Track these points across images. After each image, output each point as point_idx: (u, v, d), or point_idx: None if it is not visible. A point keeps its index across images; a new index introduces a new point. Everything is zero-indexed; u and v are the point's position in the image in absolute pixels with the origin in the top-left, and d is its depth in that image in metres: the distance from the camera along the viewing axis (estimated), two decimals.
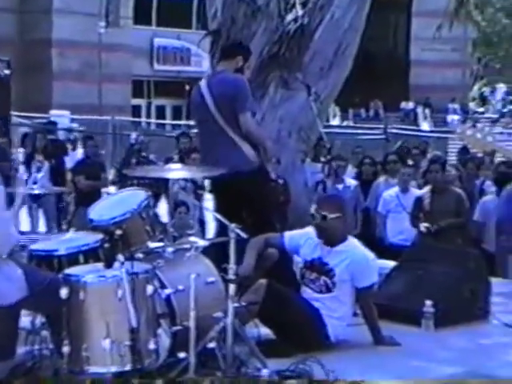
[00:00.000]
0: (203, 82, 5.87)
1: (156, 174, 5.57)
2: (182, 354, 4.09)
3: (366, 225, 9.12)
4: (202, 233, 8.26)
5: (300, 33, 7.92)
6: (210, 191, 6.27)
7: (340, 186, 9.02)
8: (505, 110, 32.79)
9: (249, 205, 5.36)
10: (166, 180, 7.29)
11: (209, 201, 7.08)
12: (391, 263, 6.46)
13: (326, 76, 8.03)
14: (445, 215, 7.94)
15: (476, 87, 38.84)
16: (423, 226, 7.92)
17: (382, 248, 8.41)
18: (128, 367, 3.85)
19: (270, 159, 5.88)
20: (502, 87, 34.79)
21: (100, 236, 4.55)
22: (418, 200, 8.21)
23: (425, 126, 28.18)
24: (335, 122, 27.70)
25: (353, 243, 5.22)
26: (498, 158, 10.07)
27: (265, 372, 4.04)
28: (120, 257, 4.11)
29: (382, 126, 21.34)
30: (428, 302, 5.47)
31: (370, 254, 5.21)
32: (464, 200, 8.20)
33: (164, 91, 31.60)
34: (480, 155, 13.16)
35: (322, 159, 9.52)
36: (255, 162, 5.60)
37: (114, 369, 3.85)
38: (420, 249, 6.92)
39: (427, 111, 29.91)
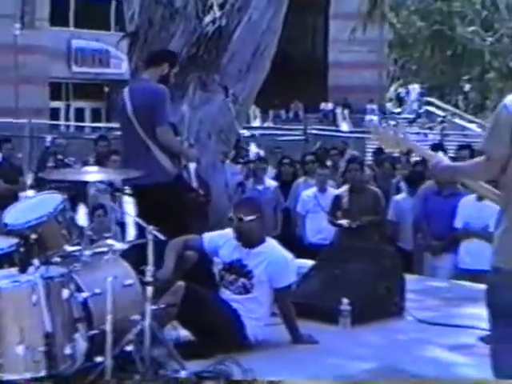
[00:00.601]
0: (126, 89, 5.89)
1: (73, 176, 5.50)
2: (99, 358, 4.06)
3: (287, 225, 9.21)
4: (122, 236, 8.19)
5: (218, 34, 7.93)
6: (130, 194, 6.24)
7: (260, 187, 9.09)
8: (421, 111, 33.51)
9: (167, 215, 5.38)
10: (84, 183, 7.21)
11: (128, 203, 7.02)
12: (310, 262, 6.56)
13: (244, 78, 8.06)
14: (363, 213, 8.09)
15: (392, 88, 39.62)
16: (345, 221, 8.04)
17: (302, 248, 8.52)
18: (43, 373, 3.80)
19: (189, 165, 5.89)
20: (416, 88, 35.55)
21: (15, 240, 4.46)
22: (337, 198, 8.34)
23: (344, 126, 28.55)
24: (256, 123, 27.82)
25: (271, 244, 5.26)
26: (414, 158, 10.27)
27: (183, 373, 4.04)
28: (35, 261, 4.05)
29: (301, 127, 21.59)
30: (345, 300, 5.56)
31: (288, 255, 5.26)
32: (381, 198, 8.37)
33: (83, 94, 31.18)
34: (396, 155, 13.43)
35: (242, 160, 9.57)
36: (172, 173, 5.64)
37: (28, 375, 3.80)
38: (337, 247, 7.05)
39: (346, 112, 30.30)
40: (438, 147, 13.52)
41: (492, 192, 3.80)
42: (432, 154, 3.99)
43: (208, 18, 8.05)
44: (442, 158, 3.86)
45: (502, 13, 35.97)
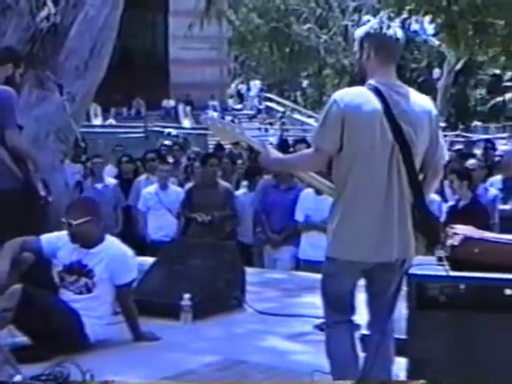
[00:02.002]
0: None
1: None
2: None
3: (129, 222, 9.15)
4: None
5: (53, 31, 7.78)
6: None
7: (99, 186, 8.98)
8: (261, 107, 34.13)
9: (9, 218, 5.26)
10: None
11: None
12: (152, 259, 6.56)
13: (82, 75, 7.95)
14: (214, 208, 8.13)
15: (233, 84, 40.13)
16: (198, 215, 8.06)
17: (144, 245, 8.51)
18: None
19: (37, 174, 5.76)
20: (256, 84, 36.17)
21: None
22: (189, 192, 8.35)
23: (186, 123, 28.62)
24: (97, 121, 27.39)
25: (111, 242, 5.23)
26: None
27: (18, 378, 3.94)
28: None
29: (143, 124, 21.52)
30: (186, 295, 5.61)
31: (129, 251, 5.25)
32: (232, 193, 8.46)
33: None
34: (237, 151, 13.67)
35: (81, 159, 9.47)
36: (21, 178, 5.51)
37: None
38: (178, 243, 7.07)
39: (188, 108, 30.39)
40: (284, 143, 13.99)
41: (326, 185, 3.96)
42: (263, 146, 4.11)
43: (42, 14, 7.88)
44: (272, 151, 3.98)
45: (335, 11, 37.22)
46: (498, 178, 8.47)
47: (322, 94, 39.12)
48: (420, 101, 3.74)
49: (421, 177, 3.74)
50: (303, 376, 4.28)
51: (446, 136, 23.29)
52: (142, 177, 9.61)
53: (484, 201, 7.88)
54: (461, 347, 3.59)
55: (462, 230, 3.82)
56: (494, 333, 3.53)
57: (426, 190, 3.75)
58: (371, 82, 3.68)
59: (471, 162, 8.63)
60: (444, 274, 3.61)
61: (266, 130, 29.12)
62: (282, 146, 12.67)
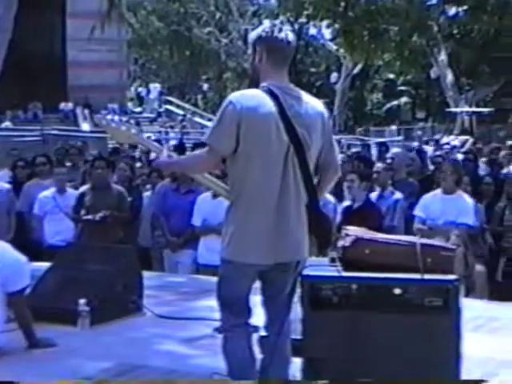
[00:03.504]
0: None
1: None
2: None
3: (23, 228, 8.92)
4: None
5: None
6: None
7: None
8: (161, 110, 33.99)
9: None
10: None
11: None
12: (48, 264, 6.43)
13: None
14: (107, 209, 8.02)
15: (133, 87, 39.85)
16: (89, 216, 7.92)
17: (40, 250, 8.32)
18: None
19: None
20: (156, 87, 35.99)
21: None
22: (81, 196, 8.24)
23: (85, 126, 28.17)
24: None
25: (3, 248, 5.11)
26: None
27: None
28: None
29: (40, 128, 21.09)
30: (82, 301, 5.53)
31: (21, 257, 5.13)
32: (126, 197, 8.37)
33: None
34: (137, 154, 13.59)
35: None
36: None
37: None
38: (74, 248, 6.96)
39: (87, 111, 29.94)
40: (181, 146, 13.91)
41: (222, 188, 3.97)
42: (158, 147, 4.10)
43: None
44: (166, 152, 3.97)
45: (235, 15, 37.47)
46: None
47: (223, 98, 39.16)
48: (313, 103, 3.80)
49: (315, 179, 3.80)
50: (202, 379, 4.28)
51: (341, 139, 23.78)
52: (32, 181, 9.38)
53: (387, 203, 8.04)
54: (354, 346, 3.67)
55: (354, 231, 3.90)
56: (385, 331, 3.62)
57: (320, 192, 3.81)
58: (265, 84, 3.72)
59: (378, 165, 8.78)
60: (336, 274, 3.68)
61: (167, 133, 29.03)
62: (179, 149, 12.63)
